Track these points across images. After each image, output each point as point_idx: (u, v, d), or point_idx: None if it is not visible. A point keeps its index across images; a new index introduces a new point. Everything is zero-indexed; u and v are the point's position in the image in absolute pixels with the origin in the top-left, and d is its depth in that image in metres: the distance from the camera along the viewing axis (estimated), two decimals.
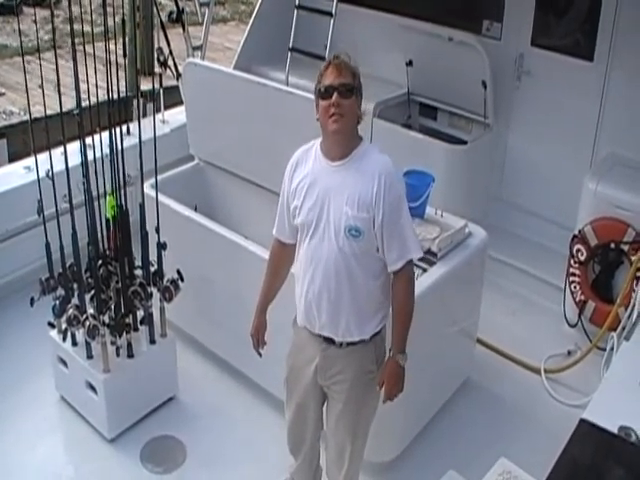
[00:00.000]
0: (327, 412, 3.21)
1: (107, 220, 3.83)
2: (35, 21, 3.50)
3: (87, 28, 3.39)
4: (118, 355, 3.84)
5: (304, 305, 3.00)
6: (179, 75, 5.28)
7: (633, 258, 4.37)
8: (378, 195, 2.75)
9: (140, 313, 3.94)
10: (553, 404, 4.27)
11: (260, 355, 3.35)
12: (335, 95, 2.74)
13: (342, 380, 3.03)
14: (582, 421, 2.79)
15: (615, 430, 2.74)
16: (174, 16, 8.01)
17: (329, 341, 3.00)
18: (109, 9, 3.60)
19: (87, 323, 3.68)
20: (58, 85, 3.43)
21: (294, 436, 3.39)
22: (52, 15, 3.63)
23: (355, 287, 2.87)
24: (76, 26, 3.45)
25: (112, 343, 3.77)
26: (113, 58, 3.53)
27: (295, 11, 5.41)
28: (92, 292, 3.79)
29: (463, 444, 3.93)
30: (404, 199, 2.85)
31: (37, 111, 3.79)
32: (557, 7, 5.33)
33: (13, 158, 7.87)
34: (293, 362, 3.21)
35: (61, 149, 3.68)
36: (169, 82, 5.25)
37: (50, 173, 3.63)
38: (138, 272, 3.92)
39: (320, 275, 2.87)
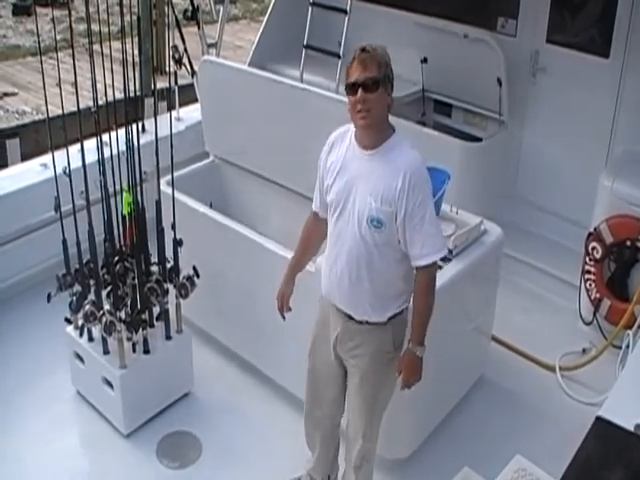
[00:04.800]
0: (347, 389, 3.26)
1: (123, 217, 3.84)
2: (53, 19, 3.52)
3: (100, 26, 3.42)
4: (134, 351, 3.86)
5: (328, 281, 3.06)
6: (194, 73, 5.30)
7: None
8: (402, 192, 2.77)
9: (156, 309, 3.96)
10: (568, 402, 4.25)
11: (284, 318, 3.44)
12: (360, 91, 2.77)
13: (360, 354, 3.08)
14: (598, 419, 2.79)
15: (631, 428, 2.73)
16: (189, 14, 8.04)
17: (349, 316, 3.05)
18: (124, 8, 3.61)
19: (103, 319, 3.71)
20: (75, 83, 3.45)
21: (311, 419, 3.44)
22: (69, 14, 3.65)
23: (375, 274, 2.91)
24: (90, 25, 3.47)
25: (128, 339, 3.79)
26: (127, 56, 3.54)
27: (310, 8, 5.42)
28: (109, 288, 3.81)
29: (478, 441, 3.92)
30: (429, 198, 2.86)
31: (50, 110, 3.81)
32: (572, 3, 5.30)
33: (25, 157, 7.92)
34: (317, 332, 3.27)
35: (77, 147, 3.70)
36: (183, 80, 5.27)
37: (67, 170, 3.65)
38: (154, 268, 3.94)
39: (343, 258, 2.93)
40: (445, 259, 3.75)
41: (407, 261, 2.93)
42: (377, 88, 2.79)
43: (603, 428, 2.75)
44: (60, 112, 3.57)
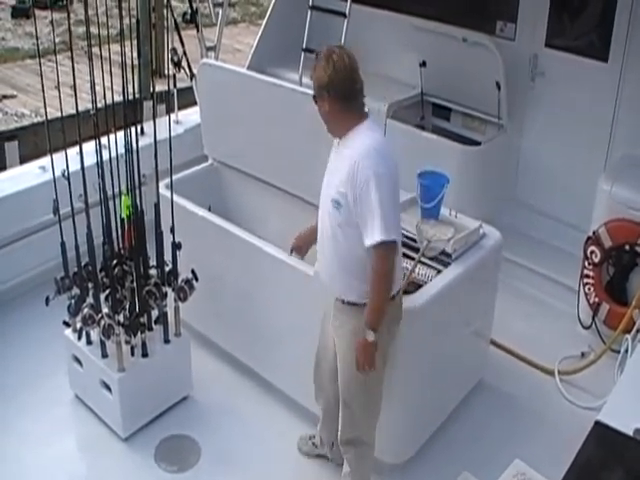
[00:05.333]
0: None
1: (122, 220, 3.84)
2: (52, 22, 3.52)
3: (99, 30, 3.42)
4: (133, 354, 3.85)
5: (318, 259, 3.33)
6: (193, 76, 5.30)
7: None
8: (350, 177, 2.95)
9: (155, 312, 3.95)
10: (567, 406, 4.25)
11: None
12: None
13: (341, 335, 3.25)
14: (597, 423, 2.79)
15: (630, 432, 2.73)
16: (188, 17, 8.03)
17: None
18: (122, 11, 3.61)
19: (102, 322, 3.70)
20: (74, 86, 3.45)
21: (316, 378, 3.58)
22: (68, 17, 3.64)
23: (342, 253, 3.12)
24: (89, 28, 3.47)
25: (127, 342, 3.79)
26: (126, 59, 3.54)
27: (309, 12, 5.42)
28: (107, 291, 3.80)
29: (477, 446, 3.92)
30: (375, 181, 2.91)
31: (49, 113, 3.81)
32: (571, 8, 5.32)
33: (24, 160, 7.93)
34: (325, 309, 3.42)
35: (75, 149, 3.70)
36: (182, 83, 5.27)
37: (66, 173, 3.64)
38: (153, 272, 3.93)
39: (322, 238, 3.22)
40: (444, 263, 3.77)
41: None
42: (316, 102, 3.10)
43: (602, 433, 2.74)
44: (59, 115, 3.56)
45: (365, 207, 2.93)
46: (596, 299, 4.66)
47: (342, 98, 3.00)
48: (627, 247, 4.50)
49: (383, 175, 2.93)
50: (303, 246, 3.59)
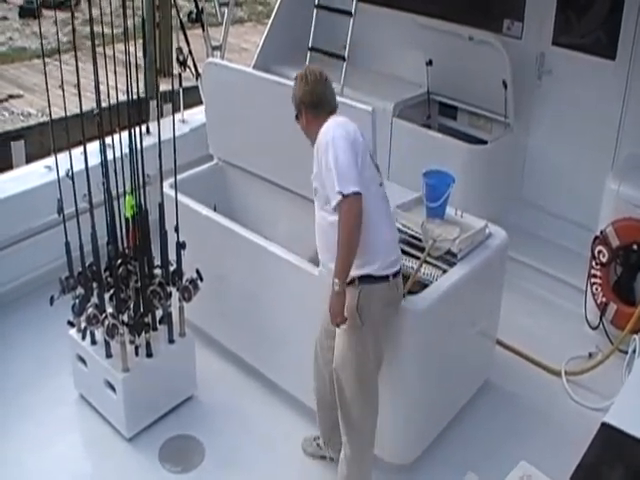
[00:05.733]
0: None
1: (126, 219, 3.83)
2: (56, 22, 3.51)
3: (107, 29, 3.42)
4: (137, 354, 3.85)
5: None
6: (198, 75, 5.29)
7: None
8: (315, 156, 3.19)
9: (159, 312, 3.95)
10: (574, 407, 4.22)
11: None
12: None
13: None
14: (604, 425, 2.76)
15: (637, 434, 2.70)
16: (193, 16, 8.04)
17: None
18: (128, 10, 3.60)
19: (106, 322, 3.69)
20: (78, 86, 3.44)
21: (315, 362, 3.58)
22: (72, 17, 3.64)
23: (328, 235, 3.18)
24: (95, 28, 3.46)
25: (131, 342, 3.78)
26: (132, 59, 3.54)
27: (315, 10, 5.41)
28: (111, 291, 3.80)
29: (483, 446, 3.89)
30: (331, 144, 3.07)
31: (55, 112, 3.81)
32: (578, 5, 5.29)
33: (30, 159, 7.94)
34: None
35: (81, 149, 3.69)
36: (188, 83, 5.27)
37: (70, 173, 3.64)
38: (157, 271, 3.93)
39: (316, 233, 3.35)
40: (450, 263, 3.75)
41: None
42: (298, 120, 3.39)
43: (608, 434, 2.72)
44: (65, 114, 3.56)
45: (325, 172, 3.07)
46: (604, 299, 4.63)
47: (314, 106, 3.27)
48: (635, 247, 4.47)
49: (338, 137, 3.08)
50: (314, 256, 3.64)
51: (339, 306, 3.11)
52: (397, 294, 3.32)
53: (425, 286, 3.64)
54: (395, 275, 3.25)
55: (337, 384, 3.34)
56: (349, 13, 5.21)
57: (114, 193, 3.77)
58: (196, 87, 5.51)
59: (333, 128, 3.15)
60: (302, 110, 3.31)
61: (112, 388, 3.84)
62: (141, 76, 3.78)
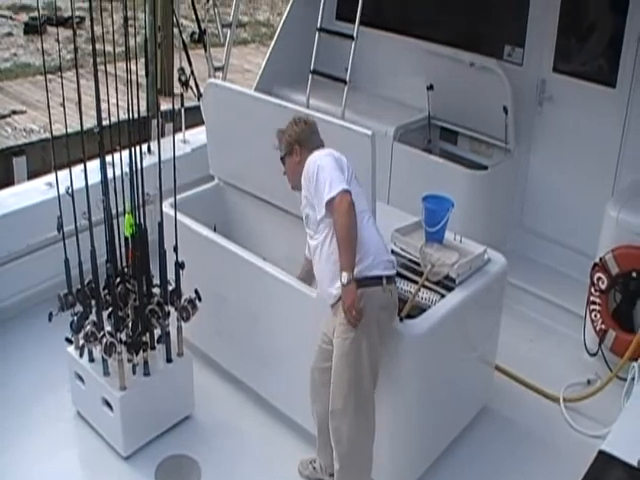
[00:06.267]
0: None
1: (126, 238, 3.83)
2: (58, 40, 3.54)
3: (109, 48, 3.44)
4: (134, 373, 3.84)
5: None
6: (200, 95, 5.31)
7: None
8: (304, 184, 3.38)
9: (157, 331, 3.93)
10: (572, 434, 4.19)
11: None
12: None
13: (337, 333, 3.32)
14: (601, 453, 2.75)
15: (635, 463, 2.69)
16: (196, 36, 8.07)
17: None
18: (130, 29, 3.63)
19: (104, 340, 3.69)
20: (79, 103, 3.46)
21: (312, 386, 3.58)
22: (74, 35, 3.66)
23: (324, 251, 3.34)
24: (98, 46, 3.49)
25: (129, 361, 3.77)
26: (134, 77, 3.55)
27: (317, 34, 5.44)
28: (110, 309, 3.80)
29: (480, 472, 3.87)
30: (318, 167, 3.27)
31: (56, 129, 3.83)
32: (579, 33, 5.31)
33: (32, 176, 7.96)
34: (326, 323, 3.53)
35: (81, 166, 3.70)
36: (190, 102, 5.29)
37: (70, 190, 3.65)
38: (156, 291, 3.92)
39: (314, 260, 3.49)
40: (448, 288, 3.74)
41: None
42: (284, 162, 3.59)
43: (606, 462, 2.71)
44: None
45: (314, 190, 3.27)
46: (603, 326, 4.62)
47: (308, 146, 3.46)
48: (634, 274, 4.46)
49: (323, 158, 3.30)
50: (307, 279, 3.82)
51: (351, 298, 3.15)
52: (391, 299, 3.33)
53: (423, 310, 3.64)
54: (389, 280, 3.30)
55: (332, 390, 3.32)
56: (351, 37, 5.24)
57: (114, 211, 3.77)
58: (198, 107, 5.53)
59: (318, 155, 3.36)
60: (295, 150, 3.49)
61: (109, 406, 3.83)
62: (143, 95, 3.80)
